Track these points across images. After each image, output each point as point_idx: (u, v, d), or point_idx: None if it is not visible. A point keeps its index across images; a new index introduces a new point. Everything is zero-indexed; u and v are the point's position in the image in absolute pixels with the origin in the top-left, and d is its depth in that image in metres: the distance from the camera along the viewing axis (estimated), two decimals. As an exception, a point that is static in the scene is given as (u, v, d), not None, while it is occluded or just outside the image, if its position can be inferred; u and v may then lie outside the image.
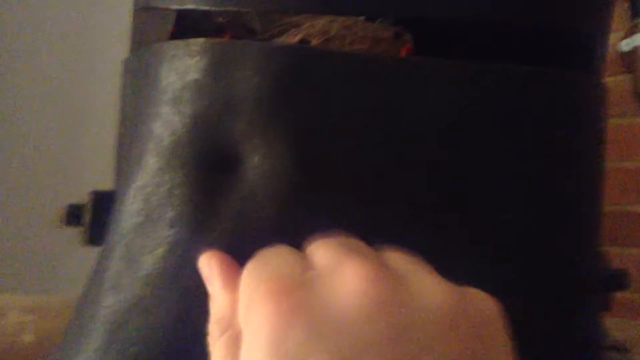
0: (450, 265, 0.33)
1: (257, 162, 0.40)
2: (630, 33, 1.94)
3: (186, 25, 0.45)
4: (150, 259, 0.42)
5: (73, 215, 0.48)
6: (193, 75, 0.41)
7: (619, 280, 0.52)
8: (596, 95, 0.46)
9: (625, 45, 1.95)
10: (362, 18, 0.44)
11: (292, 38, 0.42)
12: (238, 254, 0.39)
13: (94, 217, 0.47)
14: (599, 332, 0.49)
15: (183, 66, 0.41)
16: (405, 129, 0.40)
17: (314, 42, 0.41)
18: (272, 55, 0.39)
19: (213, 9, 0.42)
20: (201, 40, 0.41)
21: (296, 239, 0.37)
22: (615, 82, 2.10)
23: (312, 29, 0.43)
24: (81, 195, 0.50)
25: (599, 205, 0.47)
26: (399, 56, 0.42)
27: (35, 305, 0.58)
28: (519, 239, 0.42)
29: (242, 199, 0.40)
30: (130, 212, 0.43)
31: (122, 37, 0.53)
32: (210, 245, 0.40)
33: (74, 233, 0.50)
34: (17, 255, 1.09)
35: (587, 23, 0.47)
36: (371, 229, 0.38)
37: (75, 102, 1.30)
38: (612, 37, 1.86)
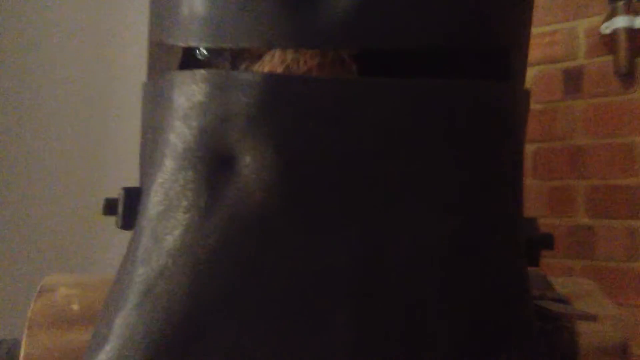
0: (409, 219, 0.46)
1: (248, 161, 0.53)
2: (609, 16, 2.06)
3: (190, 55, 0.58)
4: (171, 238, 0.55)
5: (109, 206, 0.61)
6: (198, 97, 0.54)
7: (546, 242, 0.65)
8: (513, 98, 0.59)
9: (605, 28, 2.06)
10: None
11: (262, 67, 0.55)
12: (237, 230, 0.52)
13: (126, 207, 0.60)
14: (529, 282, 0.61)
15: (190, 91, 0.54)
16: (358, 130, 0.53)
17: (279, 69, 0.54)
18: (255, 82, 0.52)
19: (210, 46, 0.55)
20: (203, 71, 0.54)
21: (278, 217, 0.50)
22: (597, 63, 2.24)
23: (273, 59, 0.57)
24: (114, 190, 0.63)
25: (520, 183, 0.60)
26: (351, 77, 0.55)
27: (78, 282, 0.72)
28: (460, 204, 0.55)
29: (237, 189, 0.53)
30: (154, 202, 0.56)
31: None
32: (215, 227, 0.53)
33: (108, 224, 0.64)
34: (64, 243, 1.24)
35: (504, 42, 0.59)
36: (337, 206, 0.51)
37: (104, 111, 1.42)
38: (594, 21, 2.00)
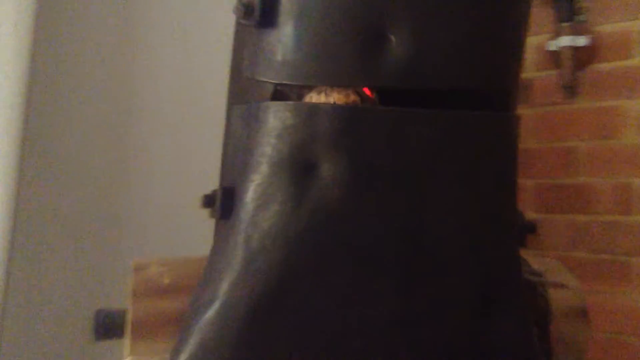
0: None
1: (328, 168, 0.73)
2: (556, 35, 2.34)
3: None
4: (267, 224, 0.74)
5: (207, 201, 0.80)
6: (290, 121, 0.73)
7: (530, 228, 0.87)
8: (513, 124, 0.81)
9: (552, 45, 2.35)
10: None
11: (311, 99, 0.75)
12: (320, 217, 0.72)
13: (223, 202, 0.79)
14: (520, 261, 0.83)
15: (284, 116, 0.74)
16: (405, 146, 0.74)
17: (334, 100, 0.75)
18: (334, 112, 0.72)
19: (298, 84, 0.75)
20: (293, 102, 0.74)
21: (350, 208, 0.70)
22: (544, 76, 2.55)
23: (319, 95, 0.77)
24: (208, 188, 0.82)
25: (516, 186, 0.81)
26: (401, 109, 0.75)
27: (165, 262, 0.89)
28: (478, 202, 0.76)
29: (320, 187, 0.73)
30: (252, 198, 0.75)
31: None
32: (302, 217, 0.73)
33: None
34: (157, 230, 1.43)
35: (506, 82, 0.81)
36: (390, 199, 0.72)
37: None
38: (541, 38, 2.29)
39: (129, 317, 0.83)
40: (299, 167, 0.73)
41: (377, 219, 0.74)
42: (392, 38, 0.73)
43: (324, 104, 0.74)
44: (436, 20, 0.74)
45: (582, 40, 2.07)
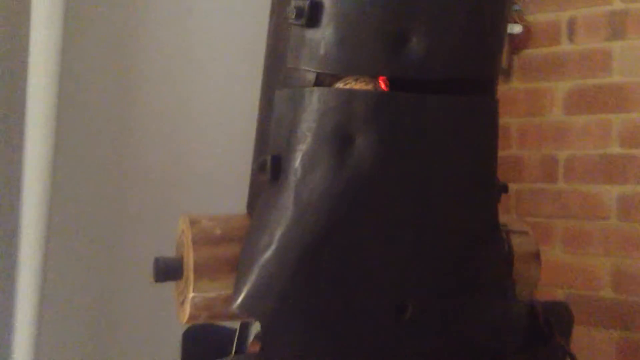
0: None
1: (363, 140, 0.94)
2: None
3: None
4: (313, 185, 0.95)
5: (261, 166, 0.99)
6: (331, 104, 0.94)
7: (504, 188, 1.11)
8: (496, 107, 1.04)
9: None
10: None
11: (345, 85, 0.96)
12: (356, 182, 0.93)
13: (273, 167, 0.98)
14: (498, 213, 1.07)
15: (327, 99, 0.94)
16: (422, 124, 0.96)
17: (360, 85, 0.95)
18: (369, 96, 0.94)
19: (337, 73, 0.95)
20: (335, 88, 0.94)
21: (380, 174, 0.92)
22: None
23: (350, 82, 0.97)
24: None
25: (496, 157, 1.05)
26: (413, 94, 0.97)
27: (213, 217, 1.07)
28: (470, 170, 0.99)
29: (356, 157, 0.94)
30: (301, 163, 0.95)
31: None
32: (343, 178, 0.94)
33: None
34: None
35: (494, 71, 1.04)
36: (411, 167, 0.94)
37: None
38: None
39: (189, 261, 1.02)
40: (338, 140, 0.94)
41: (398, 182, 0.96)
42: (412, 38, 0.94)
43: (359, 89, 0.95)
44: (444, 23, 0.96)
45: (517, 28, 2.34)
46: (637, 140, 2.27)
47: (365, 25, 0.94)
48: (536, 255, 1.24)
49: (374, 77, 0.97)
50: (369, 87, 0.97)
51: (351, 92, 0.95)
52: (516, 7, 2.40)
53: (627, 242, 2.29)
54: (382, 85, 0.99)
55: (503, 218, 1.22)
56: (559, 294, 2.40)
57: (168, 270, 1.06)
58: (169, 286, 1.10)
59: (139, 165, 1.66)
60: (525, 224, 1.31)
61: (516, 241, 1.20)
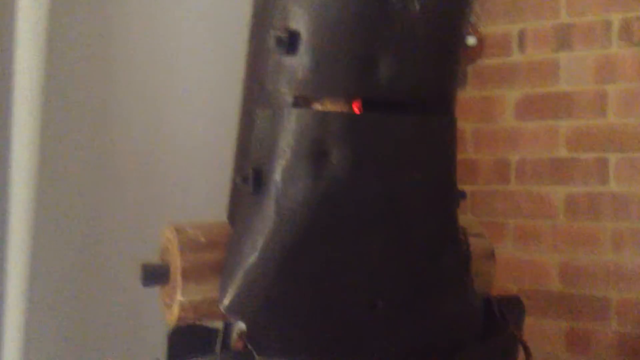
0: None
1: (336, 155, 1.04)
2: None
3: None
4: (293, 196, 1.05)
5: (244, 179, 1.09)
6: (308, 123, 1.04)
7: (463, 195, 1.23)
8: (454, 125, 1.16)
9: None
10: None
11: (331, 106, 1.06)
12: (332, 191, 1.04)
13: (255, 180, 1.08)
14: (458, 218, 1.19)
15: (303, 119, 1.04)
16: (386, 143, 1.07)
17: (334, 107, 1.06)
18: (341, 117, 1.04)
19: (314, 95, 1.05)
20: (311, 110, 1.05)
21: (353, 183, 1.03)
22: None
23: (323, 104, 1.07)
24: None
25: (455, 170, 1.16)
26: (381, 114, 1.08)
27: (197, 224, 1.16)
28: (429, 180, 1.11)
29: (330, 172, 1.05)
30: (280, 177, 1.05)
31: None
32: (319, 189, 1.04)
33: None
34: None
35: (453, 90, 1.15)
36: (377, 176, 1.05)
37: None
38: None
39: (177, 267, 1.11)
40: (315, 156, 1.05)
41: (369, 193, 1.07)
42: (380, 63, 1.05)
43: (333, 111, 1.06)
44: (408, 48, 1.07)
45: (472, 40, 2.47)
46: (582, 144, 2.43)
47: (339, 52, 1.05)
48: (491, 255, 1.37)
49: (348, 99, 1.07)
50: (345, 108, 1.08)
51: (326, 114, 1.05)
52: (470, 20, 2.53)
53: (574, 239, 2.46)
54: (355, 109, 1.09)
55: (461, 219, 1.34)
56: (512, 288, 2.55)
57: (156, 276, 1.15)
58: (154, 288, 1.19)
59: (123, 168, 1.73)
60: (480, 224, 1.43)
61: (473, 242, 1.32)
